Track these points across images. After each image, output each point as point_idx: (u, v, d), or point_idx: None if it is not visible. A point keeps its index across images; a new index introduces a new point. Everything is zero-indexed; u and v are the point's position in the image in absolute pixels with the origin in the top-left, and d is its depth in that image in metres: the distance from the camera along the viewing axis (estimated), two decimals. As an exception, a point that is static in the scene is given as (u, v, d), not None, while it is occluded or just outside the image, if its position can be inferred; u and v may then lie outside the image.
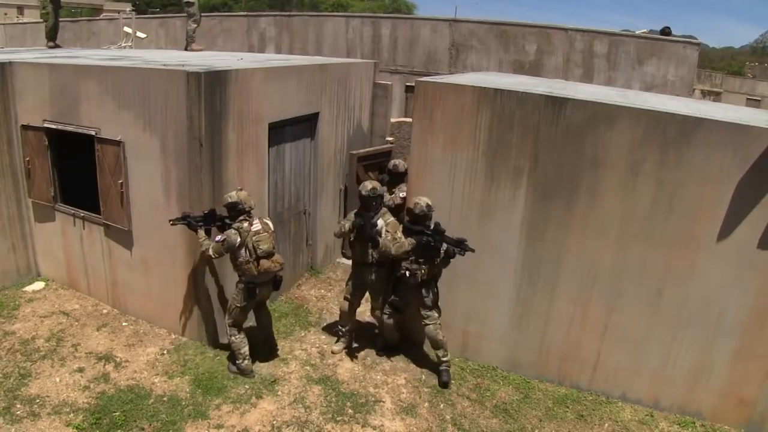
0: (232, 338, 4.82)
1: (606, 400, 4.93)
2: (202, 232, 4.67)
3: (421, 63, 12.60)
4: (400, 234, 4.83)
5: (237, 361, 4.87)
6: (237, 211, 4.59)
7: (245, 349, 4.85)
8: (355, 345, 5.44)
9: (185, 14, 8.72)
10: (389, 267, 5.03)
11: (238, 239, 4.50)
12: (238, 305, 4.73)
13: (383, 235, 4.82)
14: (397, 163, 6.26)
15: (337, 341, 5.43)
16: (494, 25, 11.99)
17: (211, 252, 4.57)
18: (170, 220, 4.74)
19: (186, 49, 8.57)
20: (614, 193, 4.50)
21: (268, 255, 4.57)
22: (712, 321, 4.49)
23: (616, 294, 4.70)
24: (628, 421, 4.70)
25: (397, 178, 6.23)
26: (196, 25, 8.54)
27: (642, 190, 4.41)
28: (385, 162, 7.46)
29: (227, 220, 4.70)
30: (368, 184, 4.91)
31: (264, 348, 5.17)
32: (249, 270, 4.57)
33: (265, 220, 4.75)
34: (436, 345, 5.01)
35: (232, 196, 4.60)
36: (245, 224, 4.55)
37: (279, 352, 5.28)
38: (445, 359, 5.02)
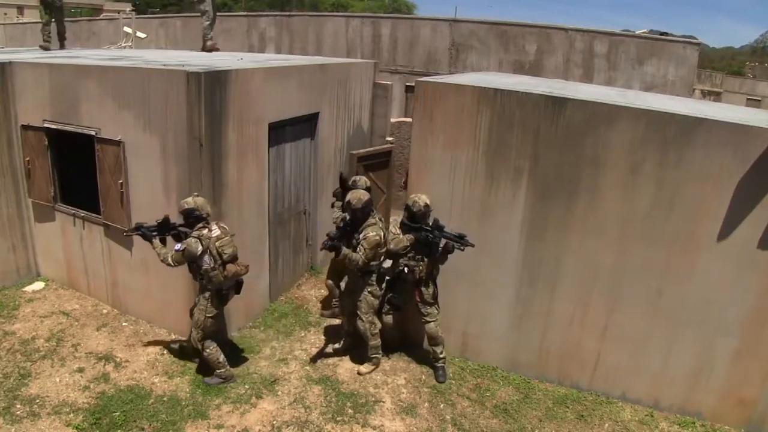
0: (207, 351, 4.66)
1: (606, 400, 4.93)
2: (157, 242, 4.53)
3: (421, 63, 12.61)
4: (397, 230, 4.82)
5: (217, 371, 4.72)
6: (194, 217, 4.42)
7: (222, 357, 4.73)
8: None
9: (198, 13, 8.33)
10: (393, 264, 4.92)
11: (200, 247, 4.34)
12: (210, 315, 4.57)
13: (358, 248, 4.59)
14: (357, 179, 5.34)
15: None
16: (494, 25, 12.00)
17: (170, 261, 4.42)
18: (124, 232, 4.63)
19: (203, 49, 8.18)
20: (614, 193, 4.50)
21: (234, 259, 4.46)
22: (712, 321, 4.49)
23: (616, 294, 4.70)
24: (628, 421, 4.70)
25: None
26: (208, 22, 8.17)
27: (642, 190, 4.41)
28: (385, 162, 7.45)
29: (182, 228, 4.54)
30: (351, 197, 4.66)
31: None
32: (216, 277, 4.42)
33: (222, 224, 4.57)
34: (435, 342, 5.05)
35: (189, 202, 4.42)
36: (205, 231, 4.39)
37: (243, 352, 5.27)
38: (441, 356, 5.08)
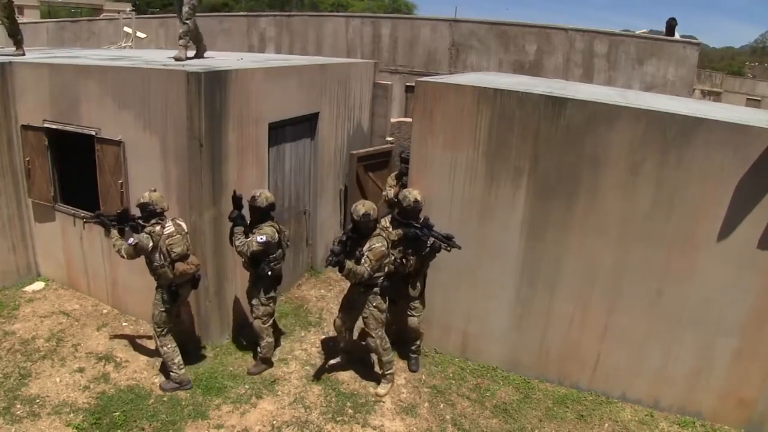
0: (164, 348, 4.64)
1: (606, 400, 4.93)
2: (114, 232, 4.56)
3: (421, 63, 12.59)
4: (387, 223, 4.80)
5: (172, 372, 4.66)
6: (148, 212, 4.45)
7: (179, 358, 4.68)
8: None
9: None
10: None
11: (150, 243, 4.36)
12: (163, 310, 4.57)
13: (363, 260, 4.39)
14: (257, 194, 4.72)
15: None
16: (494, 25, 11.98)
17: (123, 253, 4.43)
18: (84, 219, 4.66)
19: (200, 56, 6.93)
20: (614, 194, 4.50)
21: (183, 257, 4.45)
22: (712, 321, 4.49)
23: (616, 294, 4.70)
24: (628, 421, 4.70)
25: (259, 215, 4.74)
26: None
27: (642, 190, 4.41)
28: (385, 162, 7.43)
29: (140, 221, 4.55)
30: (359, 208, 4.45)
31: (185, 351, 4.90)
32: (164, 274, 4.45)
33: (178, 221, 4.56)
34: (417, 336, 5.12)
35: (145, 196, 4.46)
36: (157, 228, 4.41)
37: (204, 351, 5.24)
38: (419, 349, 5.22)
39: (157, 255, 4.42)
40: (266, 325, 4.91)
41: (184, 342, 4.95)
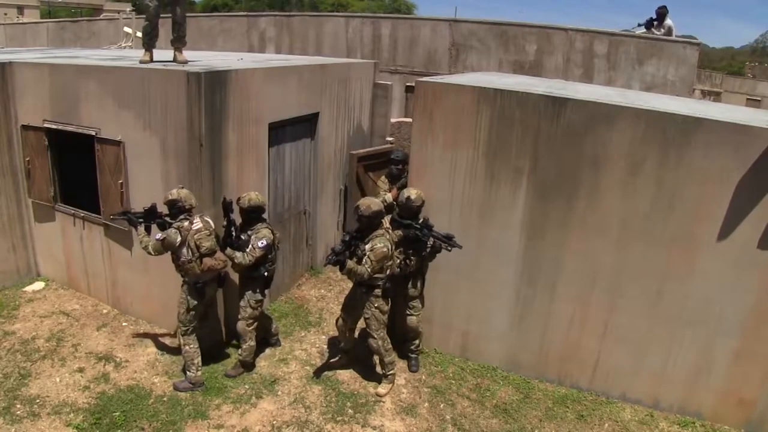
0: (186, 347, 4.63)
1: (606, 400, 4.93)
2: (141, 229, 4.57)
3: (421, 63, 12.59)
4: (387, 224, 4.80)
5: (189, 371, 4.66)
6: (177, 209, 4.47)
7: (198, 360, 4.67)
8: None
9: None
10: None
11: (179, 238, 4.38)
12: (189, 308, 4.57)
13: (364, 260, 4.37)
14: (242, 196, 4.74)
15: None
16: (494, 25, 11.98)
17: (150, 249, 4.46)
18: (111, 215, 4.71)
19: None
20: (614, 193, 4.50)
21: (211, 253, 4.47)
22: (712, 321, 4.49)
23: (616, 294, 4.70)
24: (628, 421, 4.70)
25: (246, 216, 4.76)
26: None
27: (642, 190, 4.41)
28: (385, 162, 7.42)
29: (167, 218, 4.56)
30: (361, 203, 4.50)
31: (210, 353, 5.00)
32: (192, 269, 4.45)
33: (205, 218, 4.60)
34: (415, 335, 5.12)
35: (173, 193, 4.48)
36: (185, 223, 4.43)
37: (230, 354, 5.21)
38: (417, 349, 5.22)
39: (184, 250, 4.43)
40: (250, 328, 4.87)
41: (211, 346, 4.94)
